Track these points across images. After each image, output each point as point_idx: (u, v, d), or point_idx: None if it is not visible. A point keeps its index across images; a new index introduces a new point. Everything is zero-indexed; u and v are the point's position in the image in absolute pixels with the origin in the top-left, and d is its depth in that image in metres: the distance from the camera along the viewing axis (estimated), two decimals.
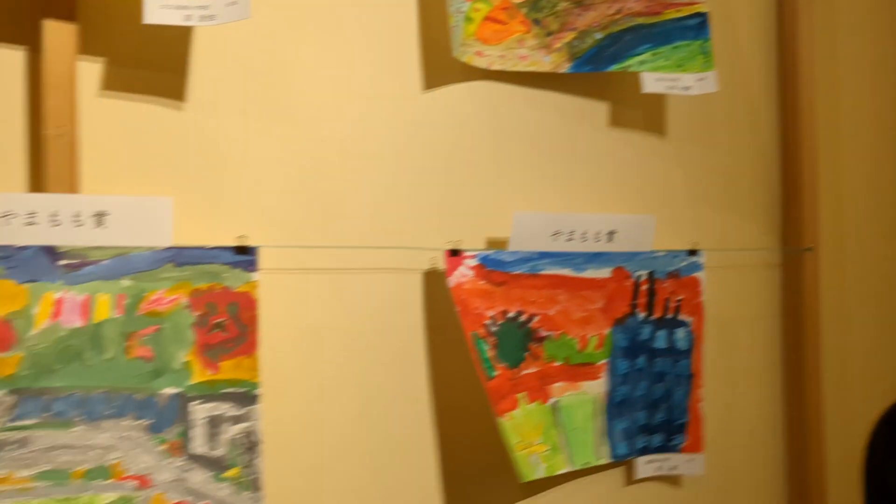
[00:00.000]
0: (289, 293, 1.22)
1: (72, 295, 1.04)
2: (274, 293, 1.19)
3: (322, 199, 1.25)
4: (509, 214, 1.36)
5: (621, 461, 1.46)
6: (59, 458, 1.03)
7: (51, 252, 1.03)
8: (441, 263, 1.33)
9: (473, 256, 1.29)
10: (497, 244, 1.37)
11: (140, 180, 1.13)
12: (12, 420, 1.01)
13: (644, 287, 1.45)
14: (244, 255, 1.14)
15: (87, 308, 1.05)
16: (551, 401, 1.34)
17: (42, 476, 1.02)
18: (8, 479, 1.01)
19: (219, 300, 1.12)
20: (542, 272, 1.35)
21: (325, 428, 1.25)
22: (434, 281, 1.33)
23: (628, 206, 1.52)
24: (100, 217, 1.06)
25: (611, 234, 1.41)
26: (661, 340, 1.47)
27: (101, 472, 1.05)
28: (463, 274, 1.28)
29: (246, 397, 1.12)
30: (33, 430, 1.02)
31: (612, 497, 1.49)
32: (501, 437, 1.36)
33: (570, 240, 1.38)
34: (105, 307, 1.06)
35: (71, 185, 1.04)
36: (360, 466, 1.27)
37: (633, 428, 1.44)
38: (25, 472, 1.02)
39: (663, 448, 1.48)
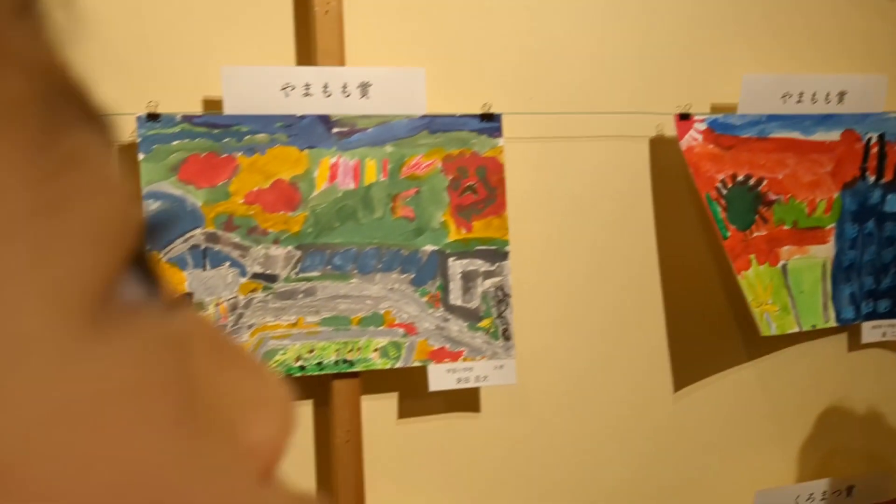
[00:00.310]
0: (527, 159, 1.28)
1: (345, 160, 1.15)
2: (514, 159, 1.26)
3: (555, 67, 1.29)
4: (734, 78, 1.35)
5: (847, 325, 1.46)
6: (339, 306, 1.16)
7: (325, 121, 1.14)
8: (666, 130, 1.35)
9: (702, 120, 1.30)
10: (723, 109, 1.37)
11: (394, 53, 1.21)
12: (300, 272, 1.14)
13: (874, 150, 1.42)
14: (489, 122, 1.20)
15: (357, 172, 1.15)
16: (780, 263, 1.36)
17: (326, 322, 1.15)
18: (299, 323, 1.14)
19: (469, 164, 1.20)
20: (771, 135, 1.35)
21: (563, 285, 1.32)
22: (659, 147, 1.35)
23: (857, 67, 1.48)
24: (364, 88, 1.15)
25: (841, 95, 1.38)
26: (891, 204, 1.44)
27: (375, 320, 1.17)
28: (693, 138, 1.30)
29: (497, 254, 1.21)
30: (317, 281, 1.15)
31: (835, 361, 1.50)
32: (731, 296, 1.40)
33: (799, 102, 1.36)
34: (372, 171, 1.16)
35: (339, 59, 1.13)
36: (593, 322, 1.34)
37: (859, 293, 1.43)
38: (313, 318, 1.15)
39: (890, 314, 1.46)
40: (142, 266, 0.17)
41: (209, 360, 0.19)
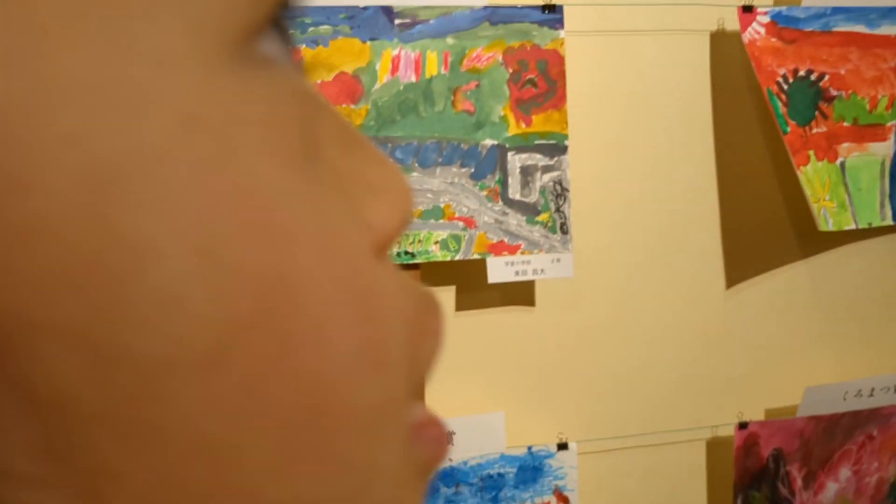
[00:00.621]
0: (587, 53, 1.27)
1: (406, 52, 1.15)
2: (574, 53, 1.25)
3: None
4: None
5: None
6: None
7: (388, 12, 1.13)
8: (727, 24, 1.33)
9: (766, 13, 1.28)
10: (786, 1, 1.34)
11: None
12: None
13: None
14: (551, 14, 1.19)
15: (419, 64, 1.15)
16: (839, 160, 1.35)
17: None
18: None
19: (529, 57, 1.19)
20: (835, 29, 1.32)
21: (620, 180, 1.33)
22: (720, 41, 1.33)
23: None
24: None
25: None
26: None
27: (436, 213, 1.19)
28: (755, 31, 1.28)
29: (556, 148, 1.21)
30: None
31: (889, 260, 1.50)
32: (786, 194, 1.40)
33: None
34: (433, 63, 1.16)
35: None
36: (649, 217, 1.35)
37: None
38: None
39: None
40: (280, 30, 0.18)
41: (333, 136, 0.20)
